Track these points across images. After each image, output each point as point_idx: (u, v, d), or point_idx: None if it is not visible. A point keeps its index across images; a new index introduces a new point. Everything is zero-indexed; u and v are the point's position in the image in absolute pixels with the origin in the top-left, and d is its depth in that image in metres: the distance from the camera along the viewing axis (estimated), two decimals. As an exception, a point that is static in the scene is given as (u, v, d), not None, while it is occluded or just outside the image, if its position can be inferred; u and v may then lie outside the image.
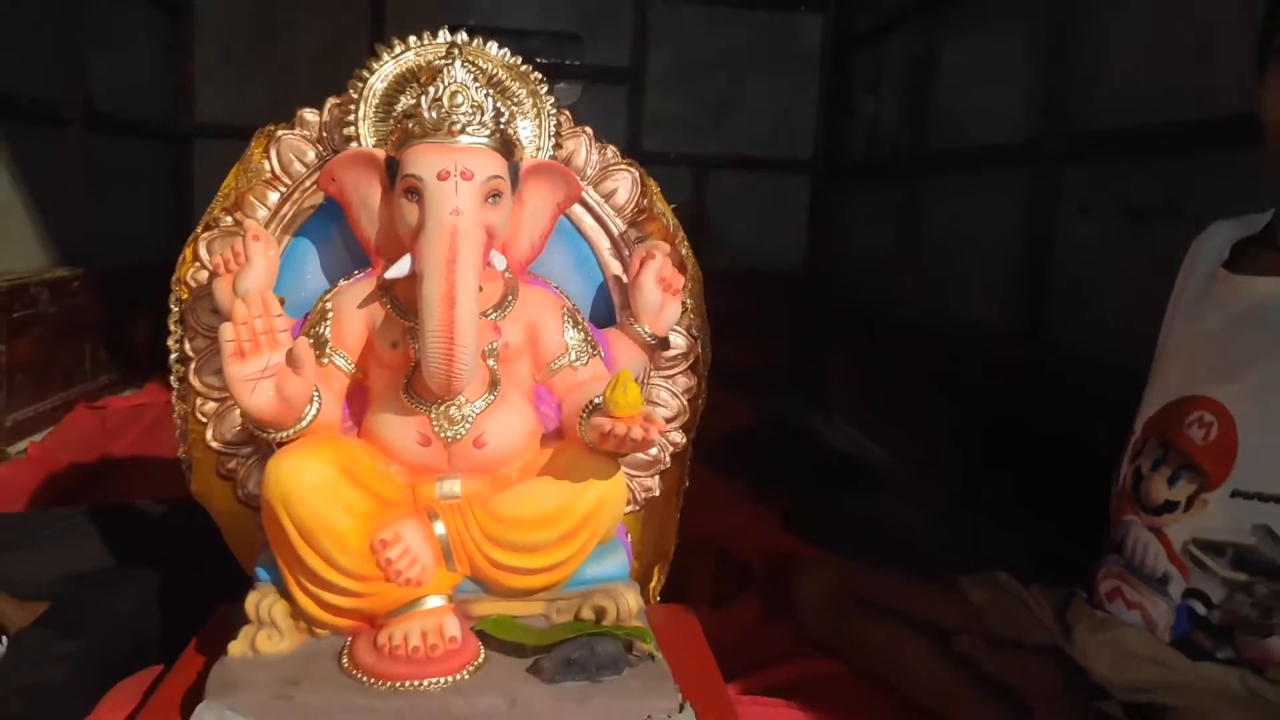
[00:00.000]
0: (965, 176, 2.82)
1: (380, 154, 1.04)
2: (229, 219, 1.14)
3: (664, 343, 1.18)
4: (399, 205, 1.00)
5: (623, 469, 1.07)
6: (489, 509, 1.01)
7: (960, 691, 1.22)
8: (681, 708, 0.99)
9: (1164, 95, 1.86)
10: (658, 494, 1.24)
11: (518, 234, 1.10)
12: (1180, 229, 1.28)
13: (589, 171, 1.20)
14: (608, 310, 1.21)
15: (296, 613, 1.02)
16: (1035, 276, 2.29)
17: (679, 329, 1.21)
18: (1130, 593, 1.16)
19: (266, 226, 1.13)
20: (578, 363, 1.08)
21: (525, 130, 1.12)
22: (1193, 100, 1.72)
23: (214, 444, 1.15)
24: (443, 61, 1.02)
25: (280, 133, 1.15)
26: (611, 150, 1.22)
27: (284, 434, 0.99)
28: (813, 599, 1.40)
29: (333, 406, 1.04)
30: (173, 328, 1.16)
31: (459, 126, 0.99)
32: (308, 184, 1.14)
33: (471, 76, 1.02)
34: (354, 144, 1.08)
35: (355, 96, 1.08)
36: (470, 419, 1.02)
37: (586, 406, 0.98)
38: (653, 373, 1.22)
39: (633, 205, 1.21)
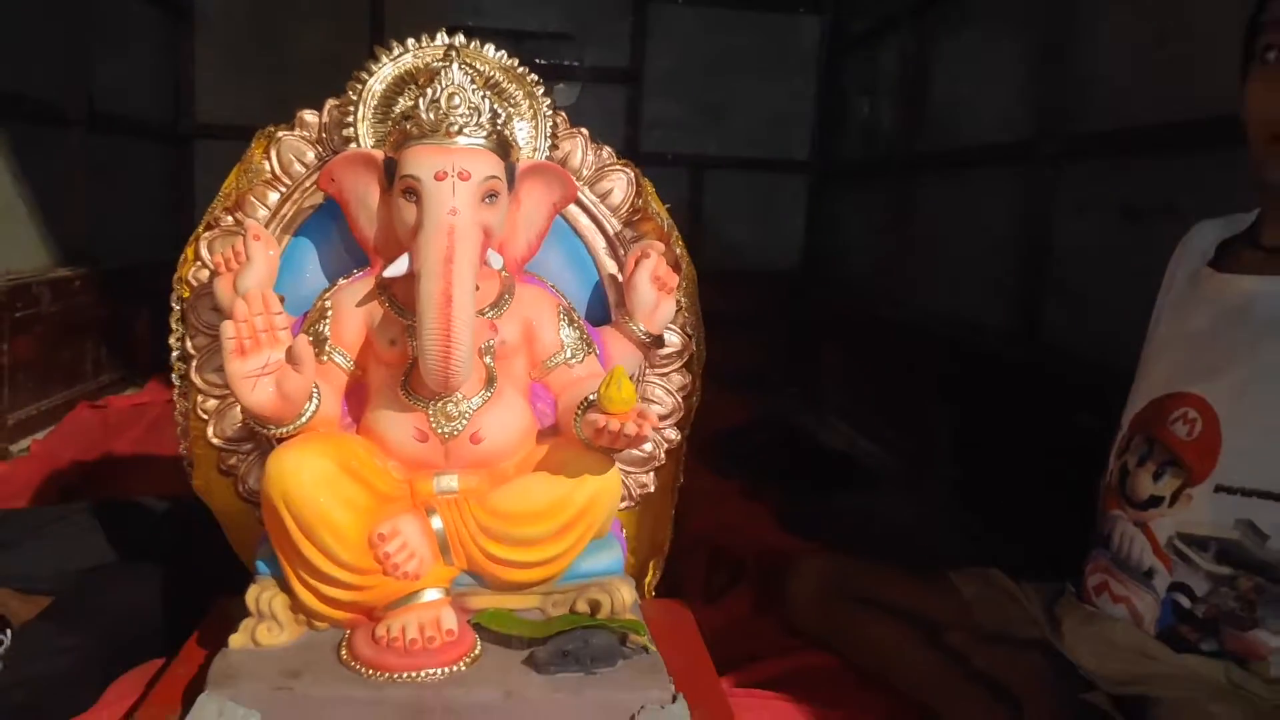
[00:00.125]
0: (961, 177, 2.83)
1: (379, 155, 1.06)
2: (230, 219, 1.16)
3: (659, 341, 1.20)
4: (397, 205, 1.01)
5: (618, 465, 1.09)
6: (486, 504, 1.03)
7: (950, 684, 1.24)
8: (674, 698, 1.00)
9: (1159, 95, 1.87)
10: (653, 490, 1.25)
11: (514, 233, 1.11)
12: (1176, 228, 1.30)
13: (585, 172, 1.21)
14: (603, 309, 1.23)
15: (296, 606, 1.04)
16: (1031, 276, 2.30)
17: (673, 327, 1.23)
18: (1117, 586, 1.17)
19: (267, 226, 1.14)
20: (573, 360, 1.10)
21: (522, 131, 1.13)
22: (1187, 100, 1.74)
23: (215, 441, 1.17)
24: (440, 64, 1.03)
25: (280, 134, 1.16)
26: (607, 151, 1.23)
27: (284, 430, 1.01)
28: (805, 593, 1.42)
29: (332, 403, 1.06)
30: (174, 326, 1.18)
31: (456, 128, 1.00)
32: (307, 184, 1.16)
33: (469, 78, 1.03)
34: (353, 145, 1.10)
35: (354, 98, 1.10)
36: (467, 415, 1.04)
37: (581, 403, 1.00)
38: (648, 370, 1.23)
39: (628, 205, 1.23)
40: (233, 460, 1.18)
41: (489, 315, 1.07)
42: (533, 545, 1.03)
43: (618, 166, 1.23)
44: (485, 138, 1.02)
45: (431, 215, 0.98)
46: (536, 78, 1.15)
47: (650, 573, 1.33)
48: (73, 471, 2.12)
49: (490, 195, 1.01)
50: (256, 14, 3.68)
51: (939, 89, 3.01)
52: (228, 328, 0.96)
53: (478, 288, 1.01)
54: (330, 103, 1.15)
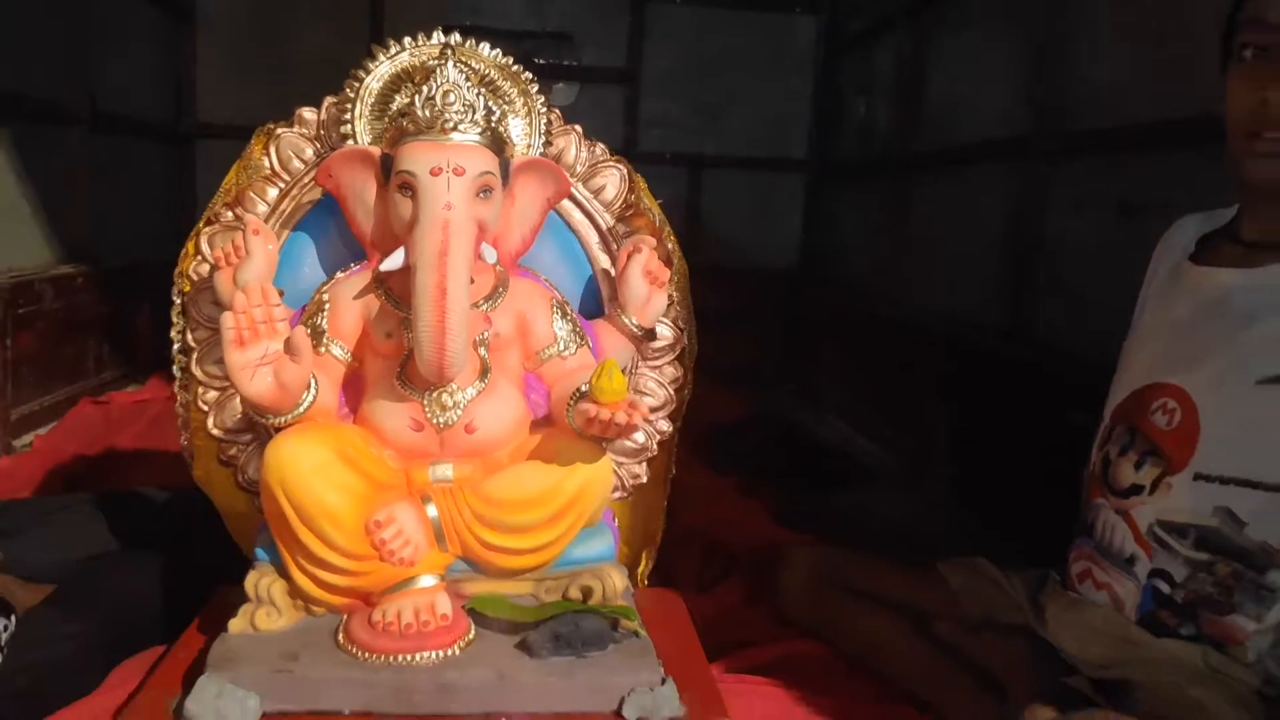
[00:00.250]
0: (956, 175, 2.85)
1: (376, 151, 1.08)
2: (230, 214, 1.18)
3: (650, 334, 1.22)
4: (393, 200, 1.03)
5: (611, 456, 1.11)
6: (480, 492, 1.05)
7: (938, 673, 1.26)
8: (663, 681, 1.02)
9: (1151, 93, 1.89)
10: (645, 481, 1.27)
11: (509, 228, 1.13)
12: (1169, 225, 1.32)
13: (578, 168, 1.23)
14: (596, 303, 1.24)
15: (294, 591, 1.06)
16: (1026, 273, 2.32)
17: (665, 321, 1.24)
18: (1099, 573, 1.20)
19: (266, 221, 1.16)
20: (566, 352, 1.12)
21: (516, 128, 1.15)
22: (1178, 98, 1.75)
23: (215, 432, 1.18)
24: (436, 62, 1.05)
25: (279, 131, 1.18)
26: (600, 147, 1.25)
27: (282, 419, 1.03)
28: (796, 583, 1.44)
29: (329, 393, 1.08)
30: (175, 319, 1.19)
31: (451, 124, 1.02)
32: (306, 180, 1.17)
33: (464, 76, 1.05)
34: (350, 142, 1.11)
35: (352, 96, 1.12)
36: (462, 405, 1.06)
37: (574, 393, 1.02)
38: (640, 363, 1.25)
39: (621, 201, 1.24)
40: (232, 451, 1.19)
41: (483, 308, 1.09)
42: (525, 532, 1.06)
43: (610, 163, 1.25)
44: (480, 134, 1.04)
45: (427, 210, 1.00)
46: (531, 75, 1.16)
47: (643, 562, 1.35)
48: (75, 466, 2.14)
49: (484, 190, 1.03)
50: (258, 14, 3.70)
51: (935, 88, 3.03)
52: (227, 319, 0.97)
53: (472, 281, 1.03)
54: (328, 100, 1.16)
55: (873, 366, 3.09)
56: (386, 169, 1.05)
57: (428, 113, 1.02)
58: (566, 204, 1.22)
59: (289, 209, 1.18)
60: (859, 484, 2.52)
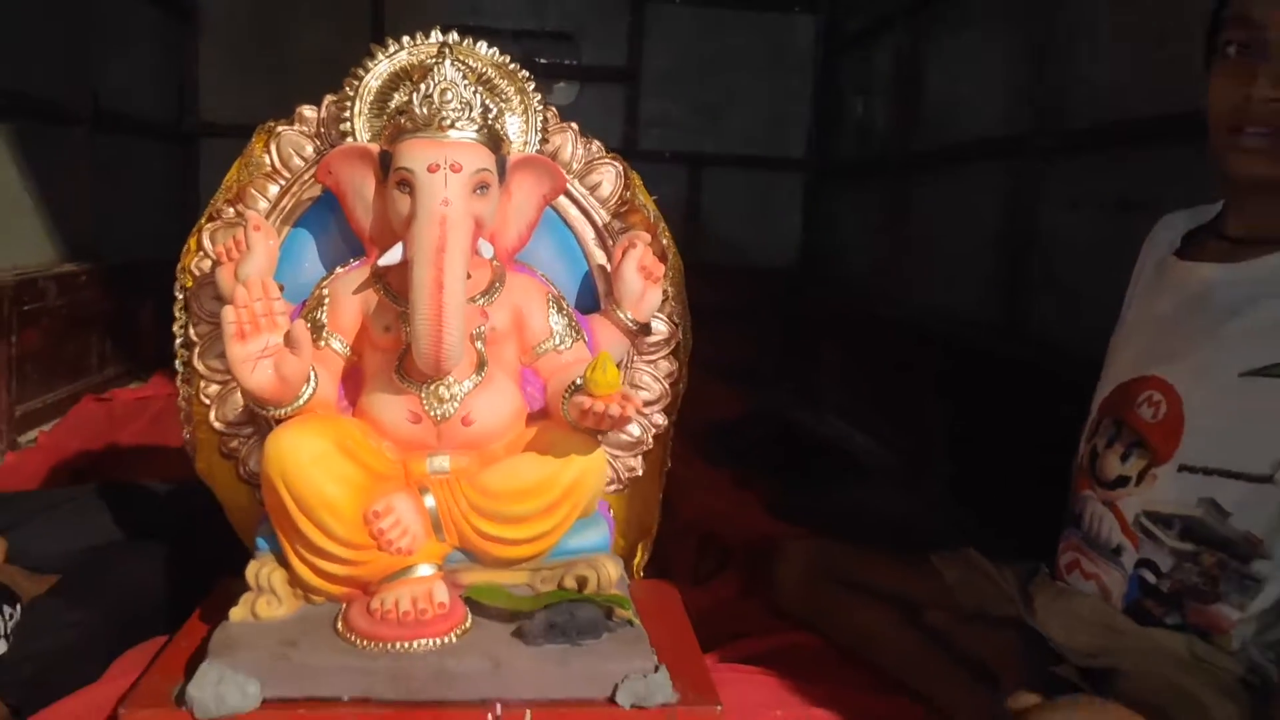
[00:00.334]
0: (954, 173, 2.86)
1: (374, 148, 1.09)
2: (231, 210, 1.19)
3: (645, 328, 1.23)
4: (392, 196, 1.05)
5: (606, 449, 1.13)
6: (476, 483, 1.07)
7: (929, 662, 1.28)
8: (656, 669, 1.04)
9: (1147, 90, 1.90)
10: (641, 474, 1.28)
11: (505, 224, 1.15)
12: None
13: (574, 165, 1.24)
14: (592, 298, 1.26)
15: (294, 580, 1.08)
16: (1021, 271, 2.33)
17: (660, 315, 1.26)
18: (1087, 564, 1.21)
19: (267, 218, 1.18)
20: (562, 346, 1.14)
21: (513, 126, 1.16)
22: (1174, 95, 1.76)
23: (217, 425, 1.20)
24: (434, 60, 1.07)
25: (280, 128, 1.20)
26: (596, 145, 1.27)
27: (282, 411, 1.04)
28: (790, 574, 1.46)
29: (329, 386, 1.10)
30: (177, 314, 1.21)
31: (448, 122, 1.04)
32: (306, 177, 1.19)
33: (461, 74, 1.06)
34: (350, 139, 1.13)
35: (351, 94, 1.13)
36: (458, 398, 1.08)
37: (569, 386, 1.03)
38: (636, 358, 1.26)
39: (616, 197, 1.26)
40: (234, 444, 1.21)
41: (480, 302, 1.10)
42: (521, 522, 1.07)
43: (606, 160, 1.26)
44: (476, 132, 1.05)
45: (424, 206, 1.02)
46: (527, 74, 1.17)
47: (639, 554, 1.36)
48: (79, 462, 2.16)
49: (481, 187, 1.05)
50: (259, 14, 3.72)
51: (933, 87, 3.04)
52: (229, 313, 0.99)
53: (469, 276, 1.04)
54: (328, 99, 1.18)
55: (871, 364, 3.10)
56: (385, 166, 1.07)
57: (425, 110, 1.04)
58: (563, 200, 1.24)
59: (289, 205, 1.20)
60: (856, 479, 2.53)
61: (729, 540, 1.83)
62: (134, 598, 1.27)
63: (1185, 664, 1.08)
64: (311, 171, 1.18)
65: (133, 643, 1.25)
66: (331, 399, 1.11)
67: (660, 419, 1.29)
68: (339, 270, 1.15)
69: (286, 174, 1.20)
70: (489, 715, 0.95)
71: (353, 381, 1.13)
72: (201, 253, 1.19)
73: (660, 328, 1.27)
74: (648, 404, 1.26)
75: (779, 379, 3.63)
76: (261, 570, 1.08)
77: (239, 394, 1.15)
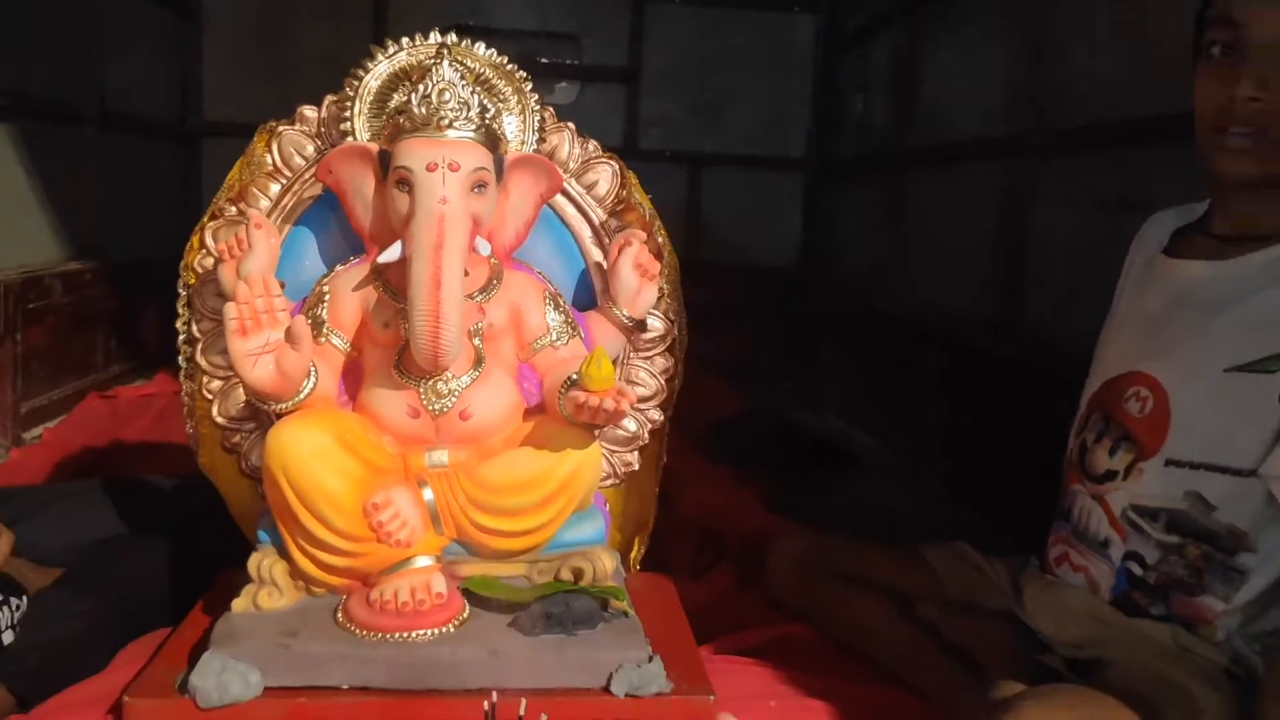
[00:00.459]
0: (951, 172, 2.87)
1: (374, 147, 1.11)
2: (233, 209, 1.21)
3: (641, 325, 1.25)
4: (391, 195, 1.07)
5: (603, 444, 1.14)
6: (474, 476, 1.09)
7: (920, 653, 1.30)
8: (650, 658, 1.06)
9: (1143, 89, 1.91)
10: (637, 468, 1.30)
11: (503, 222, 1.16)
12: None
13: (571, 164, 1.26)
14: (589, 295, 1.28)
15: (295, 572, 1.10)
16: (1016, 269, 2.34)
17: (656, 312, 1.27)
18: (1076, 557, 1.23)
19: (268, 216, 1.19)
20: (558, 342, 1.16)
21: (510, 125, 1.18)
22: (1170, 94, 1.77)
23: (219, 420, 1.22)
24: (432, 61, 1.09)
25: (281, 128, 1.22)
26: (593, 144, 1.28)
27: (283, 405, 1.07)
28: (784, 567, 1.47)
29: (329, 381, 1.12)
30: (181, 311, 1.23)
31: (447, 121, 1.06)
32: (307, 176, 1.21)
33: (459, 75, 1.08)
34: (350, 138, 1.15)
35: (351, 94, 1.16)
36: (456, 393, 1.10)
37: (565, 382, 1.05)
38: (631, 354, 1.28)
39: (612, 196, 1.28)
40: (236, 438, 1.23)
41: (477, 299, 1.12)
42: (518, 515, 1.09)
43: (603, 159, 1.28)
44: (474, 131, 1.07)
45: (423, 204, 1.04)
46: (525, 74, 1.19)
47: (636, 548, 1.38)
48: (83, 458, 2.17)
49: (479, 185, 1.07)
50: (263, 15, 3.74)
51: (931, 85, 3.05)
52: (230, 309, 1.01)
53: (467, 273, 1.06)
54: (329, 99, 1.20)
55: (870, 363, 3.11)
56: (385, 165, 1.09)
57: (424, 110, 1.06)
58: (560, 199, 1.25)
59: (290, 204, 1.22)
60: (853, 476, 2.55)
61: (726, 534, 1.85)
62: (138, 590, 1.29)
63: (1170, 654, 1.09)
64: (312, 170, 1.20)
65: (137, 634, 1.27)
66: (332, 394, 1.13)
67: (656, 415, 1.31)
68: (339, 267, 1.17)
69: (288, 173, 1.22)
70: (485, 703, 0.97)
71: (353, 377, 1.15)
72: (204, 250, 1.21)
73: (656, 324, 1.28)
74: (644, 400, 1.28)
75: (779, 378, 3.64)
76: (263, 562, 1.10)
77: (241, 389, 1.17)
